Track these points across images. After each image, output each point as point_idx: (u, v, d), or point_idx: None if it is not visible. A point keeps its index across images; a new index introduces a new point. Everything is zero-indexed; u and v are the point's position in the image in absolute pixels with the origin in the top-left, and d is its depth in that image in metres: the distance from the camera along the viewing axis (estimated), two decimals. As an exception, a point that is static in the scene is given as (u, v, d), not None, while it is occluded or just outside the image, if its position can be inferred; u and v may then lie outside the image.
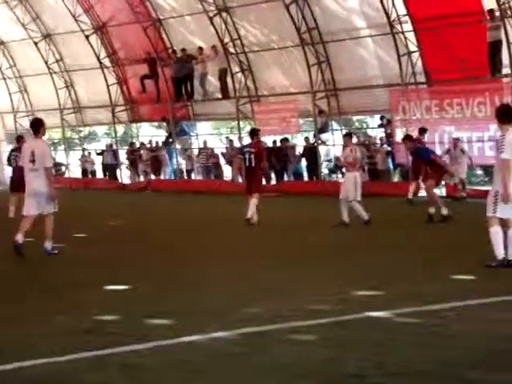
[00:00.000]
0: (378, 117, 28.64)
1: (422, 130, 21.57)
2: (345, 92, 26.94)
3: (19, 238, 12.69)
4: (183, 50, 29.09)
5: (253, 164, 17.13)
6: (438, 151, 22.61)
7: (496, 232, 10.10)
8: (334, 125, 28.71)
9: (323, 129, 27.95)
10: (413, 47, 24.62)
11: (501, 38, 22.03)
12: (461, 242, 13.21)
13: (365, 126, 32.47)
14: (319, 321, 7.54)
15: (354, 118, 31.74)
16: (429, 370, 5.91)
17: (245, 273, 10.64)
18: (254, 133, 18.00)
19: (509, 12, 21.93)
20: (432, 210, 16.00)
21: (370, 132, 28.61)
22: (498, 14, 21.88)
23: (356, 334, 7.12)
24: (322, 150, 28.11)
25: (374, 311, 7.86)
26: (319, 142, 27.75)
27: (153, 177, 32.06)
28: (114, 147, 34.27)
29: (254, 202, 16.86)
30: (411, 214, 18.01)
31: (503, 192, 9.97)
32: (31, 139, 13.84)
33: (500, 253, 10.08)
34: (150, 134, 37.47)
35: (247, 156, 17.17)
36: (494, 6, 21.87)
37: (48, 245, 12.91)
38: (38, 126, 13.14)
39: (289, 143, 28.81)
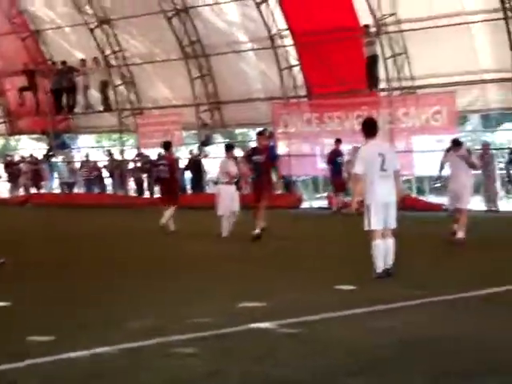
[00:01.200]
0: (260, 130, 28.86)
1: None
2: (228, 105, 27.16)
3: None
4: (63, 62, 28.59)
5: (167, 176, 17.77)
6: (323, 163, 23.25)
7: (376, 245, 10.33)
8: (218, 137, 28.84)
9: (207, 141, 28.06)
10: (294, 61, 25.08)
11: (377, 52, 22.75)
12: (345, 253, 13.53)
13: (248, 138, 32.74)
14: (202, 334, 7.52)
15: (237, 130, 31.97)
16: (308, 380, 6.00)
17: (123, 287, 10.52)
18: (167, 145, 18.51)
19: (383, 28, 22.66)
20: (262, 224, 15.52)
21: (252, 144, 28.81)
22: (373, 29, 22.57)
23: (239, 346, 7.14)
24: (205, 162, 28.18)
25: (256, 323, 7.92)
26: (203, 154, 27.83)
27: (33, 190, 31.30)
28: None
29: (170, 211, 17.46)
30: (298, 225, 18.29)
31: (351, 201, 10.71)
32: None
33: (380, 266, 10.33)
34: (31, 147, 36.58)
35: (161, 168, 17.94)
36: (371, 21, 22.55)
37: None
38: None
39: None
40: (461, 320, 7.92)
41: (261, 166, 15.50)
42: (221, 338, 7.46)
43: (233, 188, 16.38)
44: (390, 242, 10.42)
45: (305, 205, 25.45)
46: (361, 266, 10.86)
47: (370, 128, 10.73)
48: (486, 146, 22.82)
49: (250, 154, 15.98)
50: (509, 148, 23.51)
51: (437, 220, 17.53)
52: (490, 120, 27.46)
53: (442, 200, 22.68)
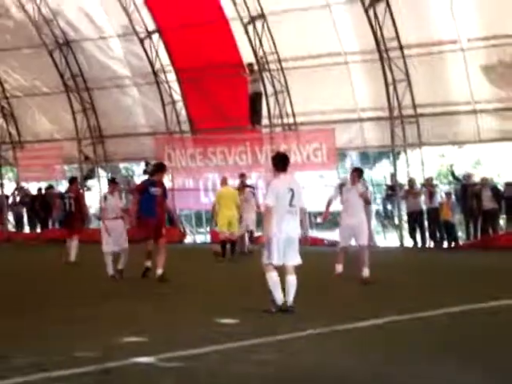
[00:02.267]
0: (143, 164, 28.87)
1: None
2: (111, 139, 27.02)
3: None
4: None
5: (72, 208, 18.65)
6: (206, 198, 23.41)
7: (271, 277, 10.25)
8: (101, 171, 28.61)
9: (89, 175, 27.79)
10: (177, 96, 25.25)
11: (260, 90, 23.20)
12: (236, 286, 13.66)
13: (131, 172, 32.59)
14: (84, 369, 7.46)
15: (121, 165, 31.80)
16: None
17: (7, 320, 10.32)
18: (72, 180, 19.74)
19: (267, 66, 23.18)
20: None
21: (136, 180, 28.74)
22: (256, 67, 23.05)
23: (120, 381, 7.13)
24: (88, 196, 27.84)
25: (138, 357, 7.91)
26: (85, 188, 27.50)
27: None
28: None
29: (75, 243, 18.28)
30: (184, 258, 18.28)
31: (264, 235, 10.44)
32: None
33: (280, 297, 10.27)
34: None
35: (67, 201, 18.75)
36: (253, 59, 23.02)
37: None
38: None
39: (53, 190, 28.25)
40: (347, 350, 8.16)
41: (157, 199, 14.53)
42: (102, 372, 7.41)
43: (121, 223, 15.56)
44: (293, 278, 10.31)
45: (188, 239, 25.53)
46: (248, 300, 10.99)
47: (281, 161, 10.63)
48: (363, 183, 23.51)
49: (146, 185, 14.86)
50: (386, 184, 24.32)
51: (321, 254, 17.86)
52: (368, 157, 28.35)
53: (324, 235, 23.34)
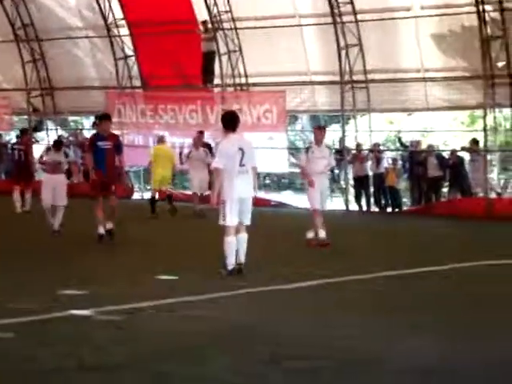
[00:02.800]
0: (92, 118, 28.64)
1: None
2: (61, 92, 26.72)
3: None
4: None
5: (23, 160, 19.16)
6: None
7: (229, 242, 10.17)
8: (50, 124, 28.32)
9: (38, 127, 27.48)
10: (129, 51, 25.03)
11: (214, 49, 23.12)
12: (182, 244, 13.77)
13: (80, 126, 32.31)
14: (19, 319, 7.53)
15: (70, 118, 31.49)
16: (123, 364, 6.18)
17: None
18: (24, 131, 20.66)
19: (221, 25, 23.08)
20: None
21: (85, 133, 28.53)
22: (210, 26, 22.93)
23: (57, 332, 7.22)
24: (35, 148, 27.56)
25: (77, 309, 8.00)
26: (33, 140, 27.18)
27: None
28: None
29: (29, 194, 18.79)
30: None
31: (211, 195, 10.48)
32: None
33: (233, 261, 10.19)
34: None
35: (16, 152, 19.30)
36: (207, 17, 22.89)
37: None
38: None
39: (2, 140, 27.89)
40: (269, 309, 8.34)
41: (106, 153, 13.68)
42: (39, 323, 7.49)
43: (60, 178, 15.19)
44: (244, 237, 10.32)
45: (135, 196, 25.51)
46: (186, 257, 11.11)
47: (230, 121, 10.45)
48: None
49: (94, 139, 13.99)
50: (334, 149, 24.51)
51: (268, 215, 18.04)
52: (319, 121, 28.47)
53: (270, 196, 23.57)
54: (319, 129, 14.37)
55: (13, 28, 26.00)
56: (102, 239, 13.61)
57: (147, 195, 25.70)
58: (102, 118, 14.23)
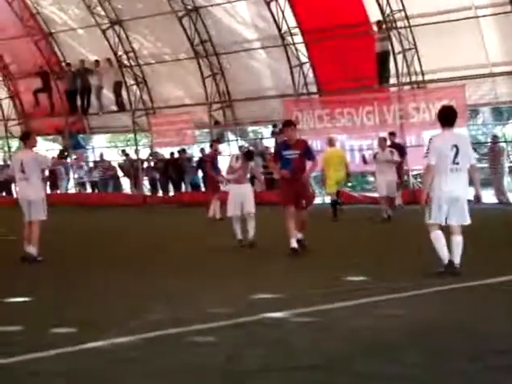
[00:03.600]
0: (271, 126, 29.14)
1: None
2: (240, 103, 27.41)
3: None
4: (82, 61, 29.00)
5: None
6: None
7: (434, 237, 9.87)
8: (230, 135, 29.11)
9: (220, 139, 28.28)
10: (304, 58, 25.31)
11: (388, 48, 22.94)
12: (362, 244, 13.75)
13: (259, 135, 32.98)
14: (218, 323, 7.79)
15: (249, 128, 32.22)
16: (319, 364, 6.26)
17: (144, 280, 10.80)
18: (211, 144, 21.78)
19: (394, 24, 22.86)
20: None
21: (265, 142, 29.09)
22: (384, 26, 22.78)
23: (255, 334, 7.41)
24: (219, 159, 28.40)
25: (270, 312, 8.17)
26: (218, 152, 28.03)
27: (49, 191, 31.61)
28: (8, 162, 33.62)
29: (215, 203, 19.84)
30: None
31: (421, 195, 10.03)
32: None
33: (444, 256, 9.83)
34: (45, 147, 36.90)
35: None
36: (380, 17, 22.75)
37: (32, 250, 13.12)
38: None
39: (186, 154, 29.03)
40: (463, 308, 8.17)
41: (294, 162, 12.68)
42: (237, 327, 7.72)
43: (246, 187, 14.58)
44: (457, 239, 9.83)
45: (317, 200, 25.66)
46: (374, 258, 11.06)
47: (446, 116, 10.04)
48: (495, 139, 23.02)
49: (279, 149, 13.23)
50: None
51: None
52: (501, 113, 27.57)
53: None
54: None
55: (192, 45, 26.96)
56: (297, 253, 12.57)
57: (328, 199, 25.89)
58: (285, 125, 13.24)
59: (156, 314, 8.39)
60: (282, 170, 12.70)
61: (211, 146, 22.04)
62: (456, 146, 9.76)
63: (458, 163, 9.76)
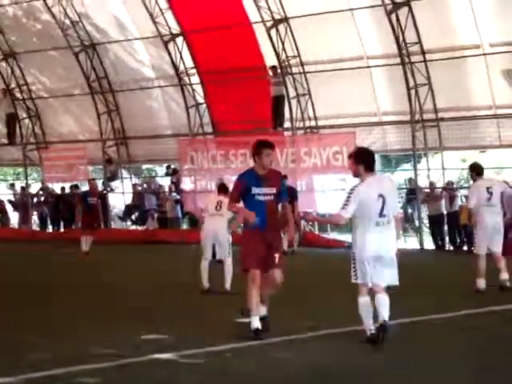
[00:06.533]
0: (165, 165, 29.17)
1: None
2: (134, 141, 27.31)
3: None
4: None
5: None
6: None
7: (364, 304, 8.37)
8: (124, 173, 28.91)
9: (113, 177, 28.11)
10: (200, 99, 25.49)
11: (283, 93, 23.39)
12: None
13: (153, 174, 32.89)
14: (104, 364, 7.67)
15: (144, 166, 32.10)
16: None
17: (31, 318, 10.55)
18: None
19: (290, 69, 23.36)
20: None
21: (158, 180, 29.03)
22: (279, 70, 23.23)
23: (140, 376, 7.34)
24: (111, 197, 28.20)
25: (157, 353, 8.11)
26: (108, 189, 27.85)
27: None
28: None
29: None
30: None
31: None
32: None
33: (369, 326, 8.34)
34: None
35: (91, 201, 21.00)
36: (276, 62, 23.21)
37: None
38: None
39: (78, 190, 28.55)
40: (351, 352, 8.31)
41: (267, 205, 8.95)
42: (122, 367, 7.62)
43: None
44: (384, 298, 8.34)
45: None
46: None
47: (371, 159, 8.50)
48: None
49: (245, 184, 9.12)
50: (406, 188, 24.39)
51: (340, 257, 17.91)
52: (390, 161, 28.40)
53: (344, 237, 23.39)
54: None
55: (87, 80, 26.77)
56: (259, 335, 8.88)
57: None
58: (260, 147, 9.42)
59: (40, 354, 8.19)
60: (254, 218, 8.90)
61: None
62: (382, 196, 8.29)
63: (384, 215, 8.31)
